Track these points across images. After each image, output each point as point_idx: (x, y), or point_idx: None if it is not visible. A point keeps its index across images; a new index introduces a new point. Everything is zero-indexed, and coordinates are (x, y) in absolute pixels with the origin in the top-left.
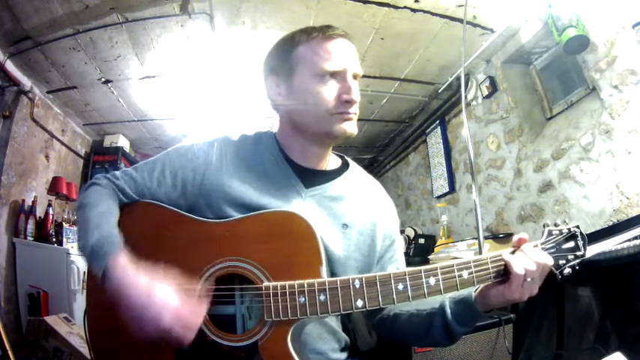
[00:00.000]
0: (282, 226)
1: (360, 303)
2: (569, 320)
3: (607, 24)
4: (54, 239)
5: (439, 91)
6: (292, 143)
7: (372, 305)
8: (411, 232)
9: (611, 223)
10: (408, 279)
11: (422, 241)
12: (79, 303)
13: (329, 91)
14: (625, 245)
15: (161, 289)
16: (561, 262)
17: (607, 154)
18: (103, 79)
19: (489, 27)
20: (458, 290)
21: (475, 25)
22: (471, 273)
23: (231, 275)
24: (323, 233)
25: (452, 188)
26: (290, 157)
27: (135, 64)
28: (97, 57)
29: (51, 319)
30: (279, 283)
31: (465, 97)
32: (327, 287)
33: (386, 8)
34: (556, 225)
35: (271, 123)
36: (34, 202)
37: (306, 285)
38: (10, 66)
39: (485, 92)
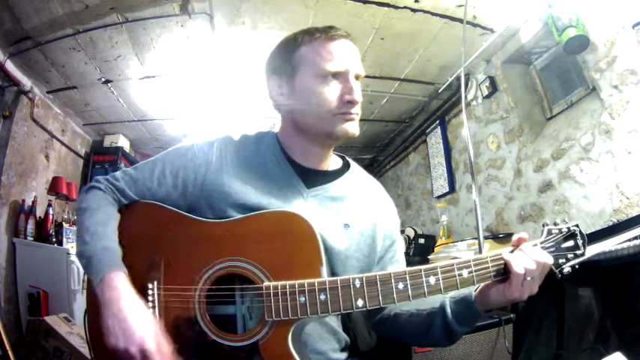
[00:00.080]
0: (282, 226)
1: (360, 302)
2: (569, 320)
3: (607, 24)
4: (54, 239)
5: (439, 91)
6: (294, 143)
7: (372, 304)
8: (411, 232)
9: (611, 223)
10: (408, 278)
11: (422, 241)
12: (79, 303)
13: (331, 92)
14: (625, 245)
15: (141, 330)
16: (561, 261)
17: (607, 154)
18: (103, 79)
19: (489, 27)
20: (458, 289)
21: (475, 25)
22: (471, 272)
23: (232, 275)
24: (324, 233)
25: (452, 188)
26: (291, 157)
27: (135, 64)
28: (97, 57)
29: (51, 319)
30: (279, 283)
31: (465, 97)
32: (327, 287)
33: (386, 8)
34: (555, 224)
35: (272, 123)
36: (34, 202)
37: (306, 284)
38: (10, 66)
39: (485, 92)
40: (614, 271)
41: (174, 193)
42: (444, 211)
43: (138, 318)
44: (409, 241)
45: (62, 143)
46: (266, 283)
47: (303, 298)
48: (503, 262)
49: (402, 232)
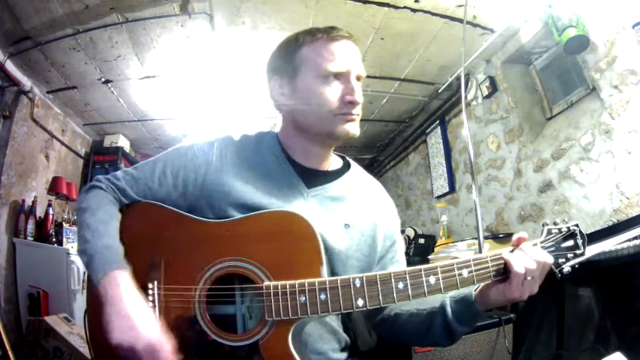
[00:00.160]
0: (282, 226)
1: (360, 302)
2: (569, 320)
3: (607, 24)
4: (54, 239)
5: (439, 91)
6: (294, 143)
7: (372, 304)
8: (411, 232)
9: (611, 223)
10: (408, 278)
11: (422, 241)
12: (79, 303)
13: (332, 92)
14: (625, 245)
15: (145, 326)
16: (561, 260)
17: (607, 154)
18: (103, 79)
19: (489, 27)
20: (458, 289)
21: (475, 25)
22: (471, 272)
23: (232, 275)
24: (325, 233)
25: (452, 188)
26: (292, 157)
27: (135, 64)
28: (97, 57)
29: (51, 319)
30: (279, 283)
31: (465, 97)
32: (327, 286)
33: (386, 8)
34: (555, 224)
35: (272, 123)
36: (34, 202)
37: (306, 284)
38: (10, 66)
39: (485, 92)
40: (614, 271)
41: (175, 193)
42: (444, 211)
43: (141, 314)
44: (409, 241)
45: (62, 143)
46: (266, 283)
47: (304, 298)
48: (503, 261)
49: (402, 232)
